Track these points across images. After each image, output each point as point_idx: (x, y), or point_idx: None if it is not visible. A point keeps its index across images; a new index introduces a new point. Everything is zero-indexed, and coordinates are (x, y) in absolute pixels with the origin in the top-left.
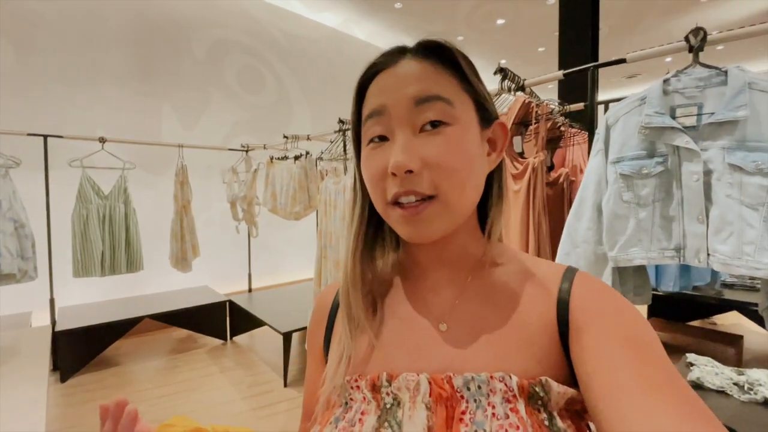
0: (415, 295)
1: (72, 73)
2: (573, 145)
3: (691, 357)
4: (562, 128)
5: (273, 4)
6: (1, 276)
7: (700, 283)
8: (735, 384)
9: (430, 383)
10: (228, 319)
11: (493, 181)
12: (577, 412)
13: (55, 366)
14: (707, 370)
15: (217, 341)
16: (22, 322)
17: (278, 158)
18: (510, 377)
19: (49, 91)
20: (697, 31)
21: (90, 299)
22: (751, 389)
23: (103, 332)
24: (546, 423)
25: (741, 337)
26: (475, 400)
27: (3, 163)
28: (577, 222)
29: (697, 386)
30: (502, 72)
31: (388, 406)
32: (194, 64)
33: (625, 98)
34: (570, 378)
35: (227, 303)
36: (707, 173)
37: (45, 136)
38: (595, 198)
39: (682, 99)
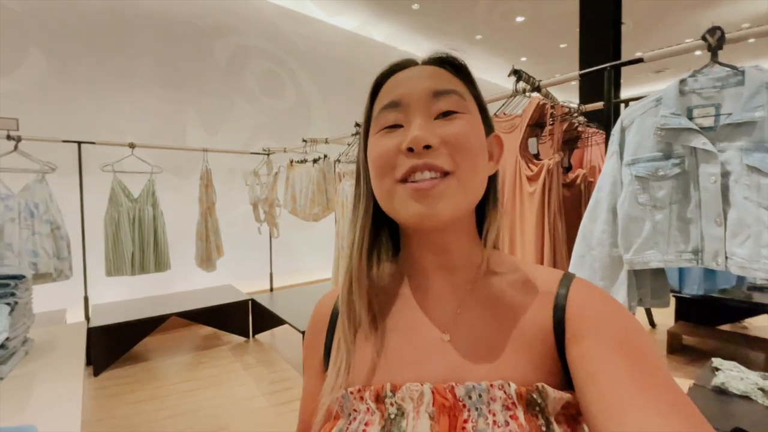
0: (416, 305)
1: (103, 82)
2: (591, 145)
3: (716, 362)
4: (580, 129)
5: (291, 9)
6: (39, 275)
7: (726, 286)
8: (760, 389)
9: (433, 393)
10: (250, 317)
11: (489, 189)
12: (573, 416)
13: (89, 360)
14: (732, 374)
15: (240, 338)
16: (58, 318)
17: (298, 161)
18: (509, 385)
19: (81, 100)
20: (714, 30)
21: (120, 297)
22: None
23: (133, 329)
24: (543, 428)
25: None
26: (476, 409)
27: (40, 168)
28: (592, 224)
29: (722, 391)
30: (517, 74)
31: (392, 416)
32: (217, 70)
33: (641, 99)
34: (565, 382)
35: (249, 302)
36: (725, 175)
37: (79, 143)
38: (610, 200)
39: (699, 99)
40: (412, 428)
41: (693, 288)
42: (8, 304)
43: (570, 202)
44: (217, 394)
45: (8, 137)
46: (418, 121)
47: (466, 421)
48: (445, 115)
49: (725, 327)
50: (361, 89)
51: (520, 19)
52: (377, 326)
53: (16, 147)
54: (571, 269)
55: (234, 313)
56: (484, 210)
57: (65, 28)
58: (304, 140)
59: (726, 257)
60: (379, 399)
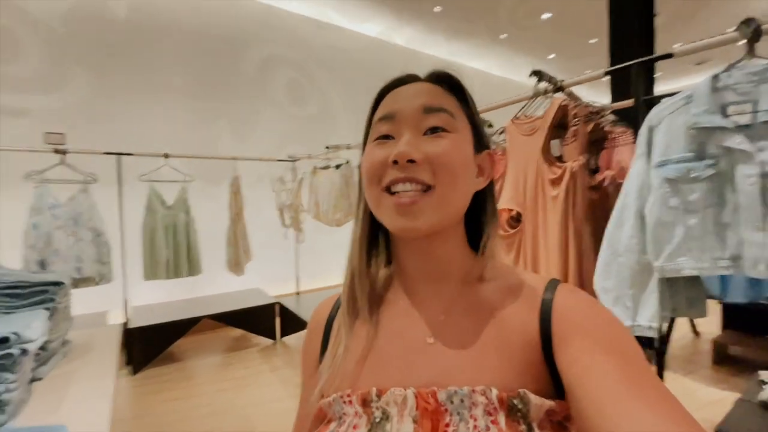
0: (405, 310)
1: (139, 96)
2: (618, 146)
3: (764, 374)
4: (607, 128)
5: (315, 18)
6: (83, 279)
7: None
8: None
9: (416, 397)
10: (277, 320)
11: (486, 202)
12: (560, 422)
13: (129, 360)
14: None
15: (268, 341)
16: (100, 320)
17: (321, 168)
18: (490, 390)
19: (120, 113)
20: (749, 21)
21: (158, 300)
22: None
23: (168, 330)
24: None
25: None
26: (458, 413)
27: (83, 179)
28: (618, 230)
29: None
30: (537, 74)
31: (377, 420)
32: (245, 81)
33: (670, 97)
34: (552, 389)
35: (276, 305)
36: (764, 176)
37: (118, 154)
38: (637, 204)
39: (734, 96)
40: (396, 431)
41: (736, 295)
42: (47, 308)
43: (597, 206)
44: (246, 394)
45: (56, 151)
46: (407, 136)
47: (447, 425)
48: (434, 131)
49: None
50: None
51: (546, 15)
52: (367, 329)
53: (62, 160)
54: (596, 277)
55: (262, 315)
56: (480, 220)
57: (104, 45)
58: (327, 147)
59: None
60: (365, 403)
